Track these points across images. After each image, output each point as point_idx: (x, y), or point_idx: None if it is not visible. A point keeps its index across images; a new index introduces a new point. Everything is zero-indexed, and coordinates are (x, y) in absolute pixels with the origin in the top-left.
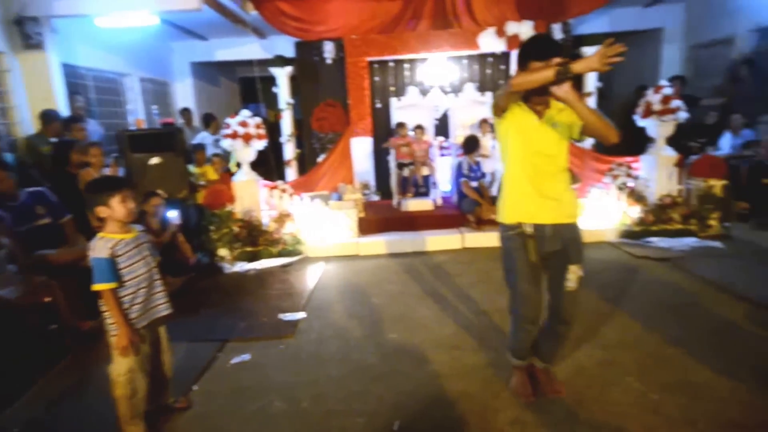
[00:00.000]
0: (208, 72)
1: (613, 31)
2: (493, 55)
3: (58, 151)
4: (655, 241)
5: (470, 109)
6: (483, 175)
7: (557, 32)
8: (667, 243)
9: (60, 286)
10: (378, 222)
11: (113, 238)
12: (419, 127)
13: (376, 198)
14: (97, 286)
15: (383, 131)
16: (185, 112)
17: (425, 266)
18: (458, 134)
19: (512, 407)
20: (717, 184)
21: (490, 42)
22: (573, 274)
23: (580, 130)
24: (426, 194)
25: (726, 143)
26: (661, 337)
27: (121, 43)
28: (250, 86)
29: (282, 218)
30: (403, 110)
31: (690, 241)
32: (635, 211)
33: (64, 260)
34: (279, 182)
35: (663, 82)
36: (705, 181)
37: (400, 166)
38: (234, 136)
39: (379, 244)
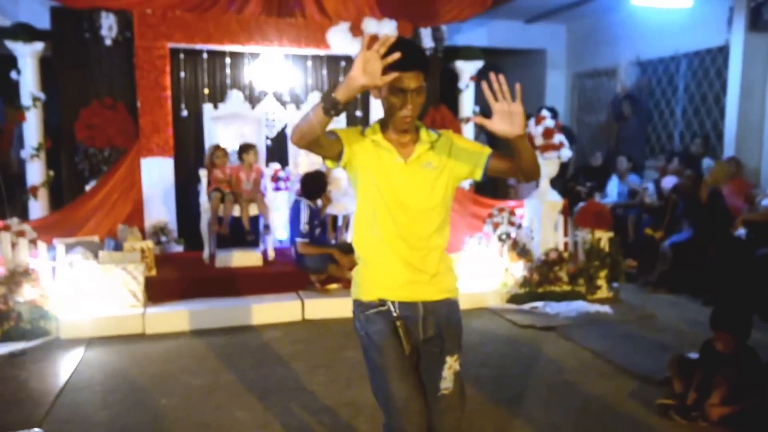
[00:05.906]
0: None
1: (492, 47)
2: (347, 58)
3: None
4: (541, 306)
5: None
6: (334, 221)
7: (427, 39)
8: (554, 308)
9: None
10: (178, 284)
11: None
12: (249, 149)
13: (177, 248)
14: None
15: (191, 150)
16: None
17: (247, 348)
18: (300, 161)
19: None
20: (604, 237)
21: (342, 41)
22: (449, 370)
23: (486, 168)
24: (254, 243)
25: (613, 189)
26: (541, 429)
27: None
28: None
29: (15, 278)
30: (222, 122)
31: (578, 306)
32: (519, 269)
33: None
34: (12, 221)
35: (544, 112)
36: (591, 233)
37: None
38: None
39: (179, 316)
